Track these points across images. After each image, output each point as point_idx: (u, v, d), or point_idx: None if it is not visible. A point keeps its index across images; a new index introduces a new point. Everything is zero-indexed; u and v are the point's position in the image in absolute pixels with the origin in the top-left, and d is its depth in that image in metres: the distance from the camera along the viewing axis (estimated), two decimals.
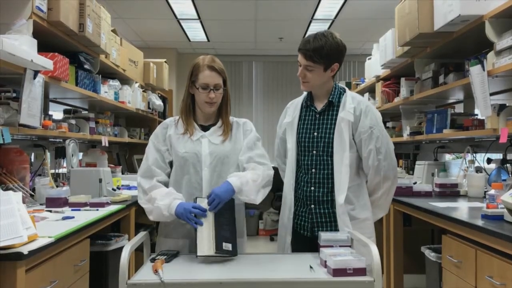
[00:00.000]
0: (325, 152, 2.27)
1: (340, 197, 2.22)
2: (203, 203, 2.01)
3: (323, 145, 2.27)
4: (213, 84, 2.15)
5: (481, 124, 3.03)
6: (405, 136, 4.21)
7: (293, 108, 2.43)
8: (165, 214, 2.04)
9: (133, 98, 4.76)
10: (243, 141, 2.23)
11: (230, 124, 2.24)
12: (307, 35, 2.31)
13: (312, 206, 2.29)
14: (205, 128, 2.22)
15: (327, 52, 2.19)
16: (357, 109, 2.25)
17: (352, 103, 2.27)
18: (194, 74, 2.18)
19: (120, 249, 1.91)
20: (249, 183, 2.06)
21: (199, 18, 6.25)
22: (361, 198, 2.29)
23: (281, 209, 2.41)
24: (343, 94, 2.31)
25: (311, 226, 2.29)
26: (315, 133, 2.30)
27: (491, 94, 2.72)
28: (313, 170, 2.29)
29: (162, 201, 2.05)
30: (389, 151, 2.27)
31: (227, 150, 2.18)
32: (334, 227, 2.25)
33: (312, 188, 2.29)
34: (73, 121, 3.57)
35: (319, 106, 2.33)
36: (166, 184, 2.19)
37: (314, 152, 2.29)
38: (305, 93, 2.42)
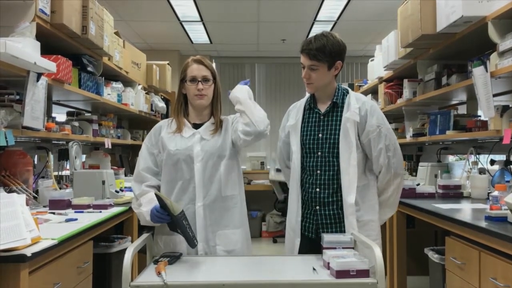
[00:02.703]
0: (330, 153, 2.27)
1: (349, 197, 2.22)
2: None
3: (328, 146, 2.27)
4: (200, 76, 2.20)
5: (484, 125, 3.02)
6: (408, 138, 4.20)
7: (295, 111, 2.44)
8: (147, 220, 2.11)
9: (136, 100, 4.77)
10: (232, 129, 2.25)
11: (221, 121, 2.28)
12: (307, 37, 2.33)
13: (317, 207, 2.29)
14: (198, 127, 2.25)
15: (329, 50, 2.21)
16: (362, 109, 2.26)
17: (357, 103, 2.28)
18: (183, 71, 2.25)
19: (123, 251, 1.91)
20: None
21: (202, 20, 6.25)
22: (366, 199, 2.28)
23: (288, 211, 2.41)
24: (346, 95, 2.32)
25: (315, 228, 2.29)
26: (320, 135, 2.30)
27: (494, 95, 2.72)
28: (318, 172, 2.29)
29: (145, 207, 2.11)
30: (397, 148, 2.30)
31: (219, 145, 2.20)
32: (339, 229, 2.25)
33: (317, 189, 2.28)
34: (76, 123, 3.58)
35: (323, 108, 2.34)
36: (158, 187, 2.23)
37: (319, 153, 2.29)
38: (307, 96, 2.43)
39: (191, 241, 1.97)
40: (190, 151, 2.17)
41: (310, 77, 2.27)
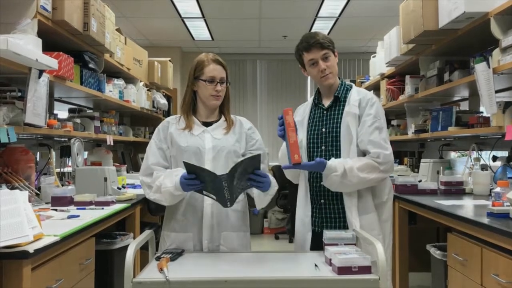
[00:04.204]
0: (334, 147, 2.29)
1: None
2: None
3: (331, 140, 2.29)
4: (219, 77, 2.19)
5: (486, 121, 3.02)
6: (410, 134, 4.19)
7: (303, 108, 2.48)
8: (176, 194, 2.05)
9: (137, 97, 4.77)
10: (245, 140, 2.26)
11: (232, 120, 2.27)
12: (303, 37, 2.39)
13: (322, 201, 2.30)
14: (206, 125, 2.24)
15: (329, 38, 2.34)
16: (363, 101, 2.28)
17: (358, 95, 2.30)
18: (198, 69, 2.21)
19: (125, 248, 1.92)
20: (267, 196, 2.14)
21: (203, 16, 6.25)
22: (365, 196, 2.28)
23: (297, 207, 2.41)
24: (349, 90, 2.35)
25: (320, 221, 2.30)
26: (323, 129, 2.32)
27: (497, 92, 2.71)
28: None
29: (169, 182, 2.05)
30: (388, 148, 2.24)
31: (231, 144, 2.20)
32: (343, 223, 2.26)
33: (322, 182, 2.29)
34: (78, 120, 3.58)
35: (327, 103, 2.37)
36: None
37: (323, 147, 2.30)
38: (313, 95, 2.46)
39: (224, 202, 1.96)
40: (201, 148, 2.17)
41: (328, 67, 2.29)
